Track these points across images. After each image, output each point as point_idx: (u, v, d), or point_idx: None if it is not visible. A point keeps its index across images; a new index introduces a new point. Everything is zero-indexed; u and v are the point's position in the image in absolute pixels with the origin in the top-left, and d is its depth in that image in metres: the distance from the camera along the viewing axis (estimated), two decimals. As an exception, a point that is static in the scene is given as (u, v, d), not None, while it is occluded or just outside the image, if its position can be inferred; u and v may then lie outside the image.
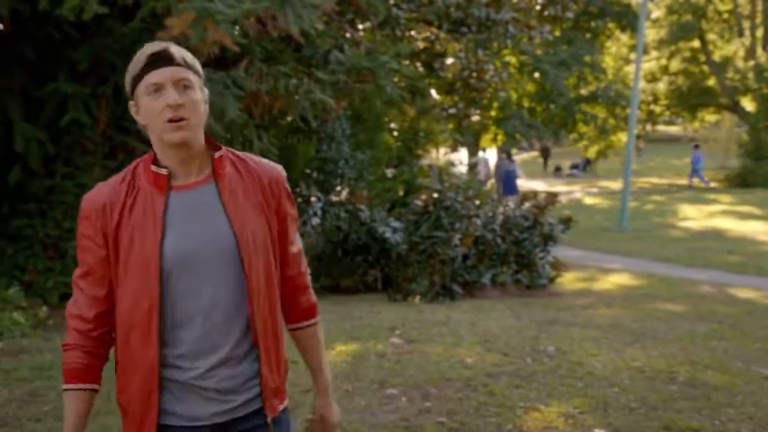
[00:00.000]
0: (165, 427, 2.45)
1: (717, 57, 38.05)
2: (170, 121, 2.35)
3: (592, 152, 36.26)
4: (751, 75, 35.02)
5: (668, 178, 38.79)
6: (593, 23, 31.33)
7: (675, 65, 38.84)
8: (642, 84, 33.62)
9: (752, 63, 35.38)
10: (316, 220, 11.70)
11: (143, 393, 2.44)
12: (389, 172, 14.57)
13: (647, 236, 19.04)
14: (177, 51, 2.41)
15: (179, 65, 2.39)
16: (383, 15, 11.96)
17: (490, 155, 32.11)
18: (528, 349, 7.82)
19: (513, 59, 25.82)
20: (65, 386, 2.45)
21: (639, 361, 7.39)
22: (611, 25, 32.09)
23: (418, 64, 15.87)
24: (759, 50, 36.46)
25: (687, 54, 38.68)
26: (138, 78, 2.39)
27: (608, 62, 35.28)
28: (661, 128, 47.87)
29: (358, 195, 11.84)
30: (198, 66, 2.46)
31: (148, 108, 2.38)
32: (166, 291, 2.40)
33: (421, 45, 15.39)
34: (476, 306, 10.22)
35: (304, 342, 2.75)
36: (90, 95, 9.34)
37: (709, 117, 42.20)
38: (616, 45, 36.95)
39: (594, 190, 33.91)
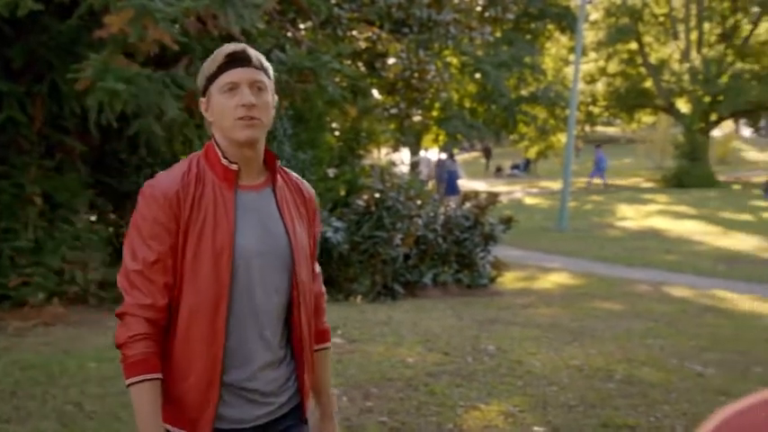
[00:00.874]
0: (218, 430, 2.47)
1: (653, 59, 38.69)
2: (241, 119, 2.39)
3: (532, 153, 36.65)
4: (686, 77, 35.68)
5: (607, 178, 39.35)
6: (532, 25, 31.63)
7: (613, 67, 39.40)
8: (581, 85, 34.08)
9: (687, 65, 36.04)
10: (257, 221, 11.63)
11: (204, 385, 2.43)
12: (331, 172, 14.52)
13: (587, 235, 19.30)
14: (254, 53, 2.46)
15: (255, 67, 2.44)
16: (325, 15, 11.94)
17: (432, 155, 32.25)
18: (469, 348, 7.87)
19: (454, 60, 25.95)
20: (138, 377, 2.36)
21: (578, 359, 7.48)
22: (550, 27, 32.44)
23: (360, 64, 15.87)
24: (694, 53, 37.14)
25: (624, 56, 39.26)
26: (213, 77, 2.44)
27: (548, 63, 35.65)
28: (599, 129, 48.51)
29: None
30: (271, 70, 2.51)
31: (221, 106, 2.42)
32: (233, 285, 2.44)
33: (363, 45, 15.39)
34: (417, 306, 10.26)
35: (315, 364, 2.76)
36: (25, 94, 9.17)
37: (646, 118, 42.88)
38: (555, 46, 37.36)
39: (535, 190, 34.26)
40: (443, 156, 27.59)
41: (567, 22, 30.72)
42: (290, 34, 10.93)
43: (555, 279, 13.25)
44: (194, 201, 2.41)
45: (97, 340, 7.82)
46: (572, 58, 32.05)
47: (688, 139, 35.55)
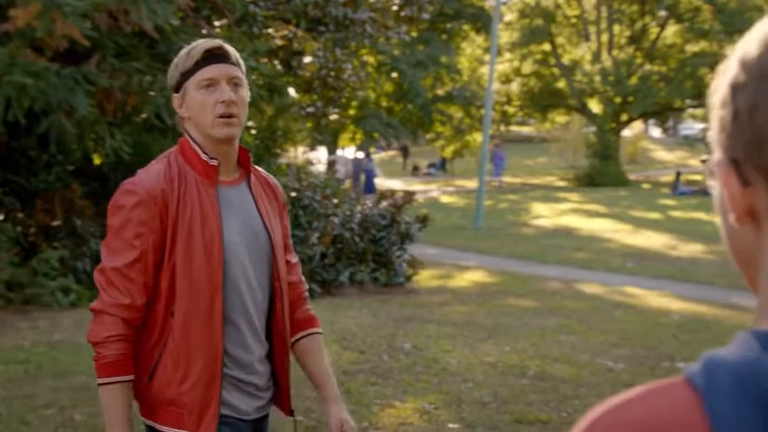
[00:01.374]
0: (222, 417, 2.47)
1: (566, 60, 39.37)
2: (221, 116, 2.39)
3: (448, 152, 36.99)
4: (597, 78, 36.41)
5: (522, 177, 39.93)
6: (448, 25, 31.93)
7: (527, 67, 39.95)
8: (496, 85, 34.49)
9: (598, 67, 36.79)
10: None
11: (205, 382, 2.42)
12: (247, 170, 14.43)
13: (502, 234, 19.54)
14: (231, 49, 2.46)
15: (233, 63, 2.44)
16: (240, 12, 11.84)
17: (349, 154, 32.28)
18: (385, 347, 7.91)
19: (371, 59, 26.02)
20: (111, 378, 2.36)
21: (492, 356, 7.58)
22: (466, 27, 32.81)
23: (276, 62, 15.78)
24: (605, 55, 37.94)
25: (538, 57, 39.84)
26: (189, 73, 2.42)
27: (463, 63, 36.03)
28: (514, 128, 49.20)
29: (215, 194, 11.68)
30: (244, 66, 2.52)
31: (198, 102, 2.41)
32: (225, 280, 2.44)
33: (279, 43, 15.30)
34: (334, 304, 10.26)
35: (308, 351, 2.75)
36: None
37: (560, 118, 43.62)
38: (471, 47, 37.76)
39: (451, 189, 34.56)
40: (360, 154, 27.65)
41: (483, 22, 31.11)
42: (204, 31, 10.80)
43: (470, 277, 13.39)
44: (180, 198, 2.41)
45: (3, 341, 7.61)
46: (487, 58, 32.44)
47: (599, 138, 36.32)
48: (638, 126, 50.03)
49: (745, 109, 0.73)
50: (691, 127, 51.86)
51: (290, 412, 2.67)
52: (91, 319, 2.41)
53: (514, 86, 39.92)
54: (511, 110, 40.79)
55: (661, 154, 52.37)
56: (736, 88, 0.75)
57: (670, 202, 27.93)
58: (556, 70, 39.39)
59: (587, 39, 39.81)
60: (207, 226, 2.41)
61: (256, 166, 2.68)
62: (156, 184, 2.40)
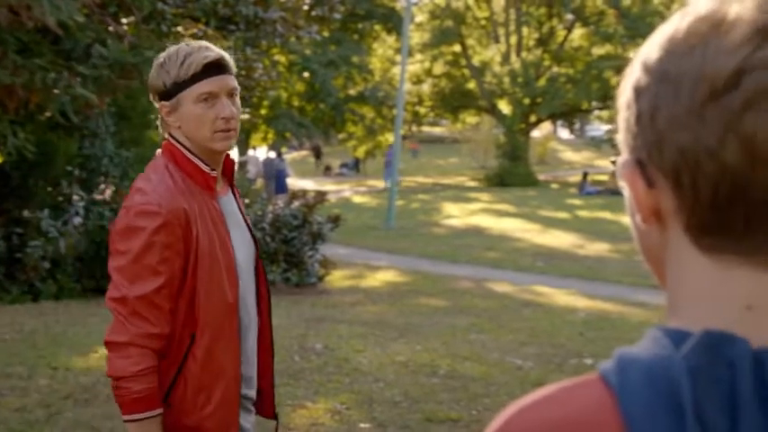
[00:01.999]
0: None
1: (476, 61, 39.84)
2: (221, 131, 2.31)
3: (360, 152, 37.03)
4: (506, 79, 36.96)
5: (433, 177, 40.25)
6: (360, 25, 31.98)
7: (438, 68, 40.30)
8: (407, 85, 34.69)
9: (507, 68, 37.34)
10: (78, 220, 11.21)
11: (227, 405, 2.36)
12: (156, 170, 14.21)
13: (413, 233, 19.66)
14: (229, 59, 2.36)
15: (231, 74, 2.35)
16: (148, 10, 11.64)
17: (260, 153, 32.05)
18: (296, 347, 7.88)
19: (282, 58, 25.89)
20: (144, 414, 2.22)
21: (404, 355, 7.62)
22: (377, 27, 32.89)
23: (186, 60, 15.57)
24: (514, 57, 38.53)
25: (449, 58, 40.22)
26: (186, 84, 2.28)
27: (375, 63, 36.12)
28: (426, 129, 49.58)
29: (123, 194, 11.48)
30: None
31: (196, 116, 2.30)
32: (238, 297, 2.39)
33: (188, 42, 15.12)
34: (245, 306, 10.17)
35: None
36: None
37: (470, 119, 44.11)
38: (382, 47, 37.90)
39: (363, 189, 34.63)
40: (272, 154, 27.48)
41: (394, 23, 31.23)
42: (111, 28, 10.60)
43: (382, 277, 13.44)
44: (196, 216, 2.30)
45: None
46: (398, 58, 32.60)
47: (509, 139, 36.87)
48: (546, 127, 50.97)
49: (647, 111, 0.75)
50: (597, 128, 52.98)
51: (274, 415, 2.62)
52: (109, 353, 2.26)
53: (426, 87, 40.22)
54: (422, 110, 41.09)
55: (569, 155, 53.43)
56: (638, 91, 0.77)
57: (577, 201, 28.52)
58: (466, 71, 39.83)
59: (497, 40, 40.36)
60: (223, 244, 2.35)
61: None
62: (177, 203, 2.27)
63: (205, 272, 2.29)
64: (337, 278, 12.57)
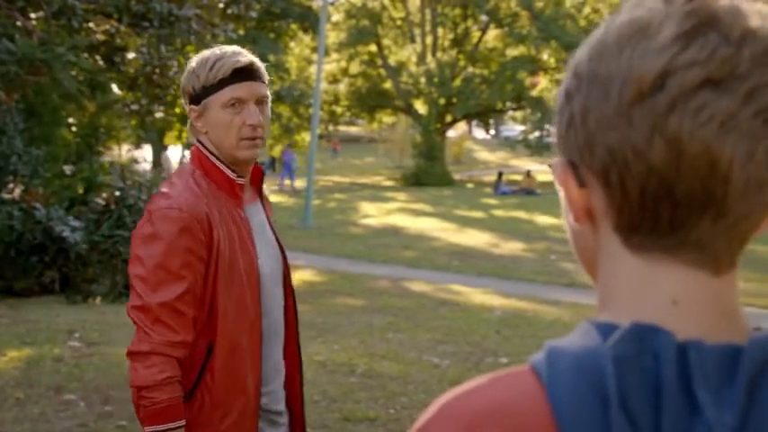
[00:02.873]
0: None
1: (392, 61, 40.02)
2: (246, 138, 2.24)
3: (276, 151, 36.82)
4: (422, 80, 37.23)
5: (350, 177, 40.28)
6: (276, 24, 31.80)
7: (354, 67, 40.37)
8: (324, 84, 34.65)
9: (423, 68, 37.60)
10: (-15, 220, 10.90)
11: (246, 417, 2.29)
12: (68, 169, 13.88)
13: (330, 233, 19.65)
14: (260, 64, 2.29)
15: (262, 81, 2.28)
16: (58, 5, 11.39)
17: (174, 152, 31.61)
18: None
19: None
20: (168, 425, 2.13)
21: (322, 355, 7.61)
22: (293, 26, 32.75)
23: (98, 57, 15.28)
24: (429, 57, 38.81)
25: (365, 57, 40.33)
26: (214, 88, 2.22)
27: (291, 62, 35.98)
28: (343, 128, 49.60)
29: (33, 193, 11.21)
30: (266, 76, 2.34)
31: (223, 121, 2.23)
32: (262, 306, 2.33)
33: (100, 38, 14.82)
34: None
35: None
36: None
37: (387, 118, 44.31)
38: (299, 46, 37.78)
39: (279, 188, 34.47)
40: (187, 153, 27.12)
41: (310, 22, 31.13)
42: (19, 23, 10.33)
43: (299, 276, 13.38)
44: (217, 221, 2.24)
45: None
46: (315, 57, 32.53)
47: (425, 139, 37.13)
48: (461, 127, 51.46)
49: (579, 113, 0.77)
50: (511, 129, 53.78)
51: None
52: (132, 363, 2.18)
53: (342, 86, 40.24)
54: (339, 109, 41.11)
55: (484, 154, 54.07)
56: (569, 94, 0.79)
57: (492, 201, 28.88)
58: (382, 71, 39.98)
59: (413, 41, 40.63)
60: (245, 252, 2.29)
61: None
62: (199, 207, 2.21)
63: (225, 281, 2.24)
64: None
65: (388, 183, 37.57)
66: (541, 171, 39.65)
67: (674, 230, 0.75)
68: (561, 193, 0.84)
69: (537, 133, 39.29)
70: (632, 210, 0.76)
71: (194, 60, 2.31)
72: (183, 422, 2.18)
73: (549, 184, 34.61)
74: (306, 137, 31.31)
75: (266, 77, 2.34)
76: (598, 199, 0.78)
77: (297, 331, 2.54)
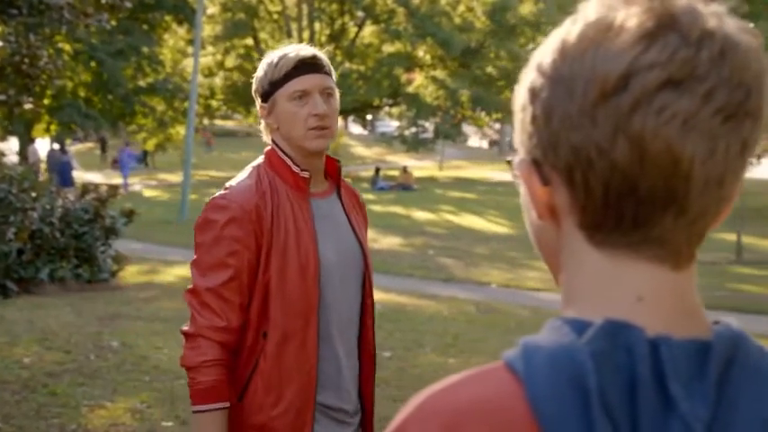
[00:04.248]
0: None
1: (269, 55, 39.70)
2: (314, 129, 2.25)
3: (150, 144, 36.05)
4: (300, 74, 37.08)
5: (226, 171, 39.81)
6: (150, 15, 31.11)
7: (231, 61, 39.93)
8: (199, 78, 34.14)
9: (301, 63, 37.45)
10: None
11: (297, 408, 2.28)
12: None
13: (207, 228, 19.35)
14: (324, 57, 2.32)
15: (326, 73, 2.31)
16: None
17: (41, 145, 30.55)
18: (91, 346, 7.62)
19: (66, 46, 24.82)
20: (208, 405, 2.20)
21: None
22: (167, 18, 32.12)
23: (-38, 45, 14.66)
24: (307, 52, 38.69)
25: (241, 51, 39.95)
26: (280, 83, 2.27)
27: (166, 55, 35.28)
28: (219, 122, 48.97)
29: None
30: (334, 73, 2.36)
31: (290, 114, 2.27)
32: (322, 299, 2.30)
33: (-35, 25, 14.23)
34: (33, 303, 9.71)
35: None
36: None
37: (263, 113, 43.90)
38: (174, 38, 37.08)
39: (154, 182, 33.82)
40: (56, 146, 26.32)
41: (185, 14, 30.58)
42: None
43: (177, 272, 13.18)
44: (273, 213, 2.27)
45: None
46: (190, 50, 32.00)
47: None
48: (338, 122, 51.51)
49: (542, 112, 0.79)
50: (387, 124, 54.17)
51: None
52: (183, 343, 2.27)
53: (218, 80, 39.74)
54: (215, 103, 40.57)
55: (360, 150, 54.30)
56: (533, 93, 0.81)
57: (370, 196, 29.03)
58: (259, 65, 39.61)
59: (289, 35, 40.41)
60: (302, 243, 2.29)
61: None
62: (250, 198, 2.28)
63: (278, 270, 2.28)
64: (131, 274, 12.22)
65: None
66: (418, 167, 40.16)
67: (638, 227, 0.77)
68: (522, 190, 0.86)
69: (413, 129, 39.71)
70: (596, 207, 0.77)
71: (263, 61, 2.42)
72: (222, 404, 2.25)
73: (425, 180, 35.11)
74: (181, 131, 30.77)
75: (331, 70, 2.40)
76: (561, 197, 0.80)
77: (373, 333, 2.51)
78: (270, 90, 2.37)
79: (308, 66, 2.34)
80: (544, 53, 0.81)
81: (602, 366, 0.72)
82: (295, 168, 2.37)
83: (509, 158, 0.86)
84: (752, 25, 0.78)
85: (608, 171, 0.75)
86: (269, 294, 2.30)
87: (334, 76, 2.44)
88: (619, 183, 0.75)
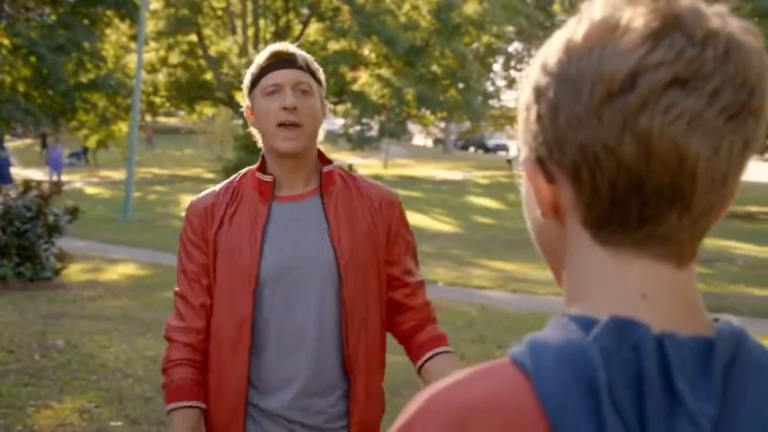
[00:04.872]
0: None
1: (213, 52, 39.37)
2: (282, 125, 2.18)
3: (92, 141, 35.53)
4: (244, 71, 36.46)
5: (170, 169, 39.43)
6: (91, 10, 30.64)
7: (174, 57, 39.48)
8: (142, 74, 33.75)
9: (245, 60, 37.18)
10: None
11: (230, 417, 2.25)
12: None
13: (152, 226, 19.22)
14: (300, 54, 2.25)
15: (301, 68, 2.24)
16: None
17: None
18: (35, 345, 7.50)
19: (5, 41, 24.35)
20: (174, 404, 2.21)
21: (152, 350, 7.45)
22: (110, 13, 31.66)
23: None
24: (251, 48, 38.47)
25: (185, 47, 39.51)
26: (256, 80, 2.25)
27: (108, 50, 34.76)
28: (162, 119, 48.42)
29: None
30: (322, 74, 2.28)
31: (263, 109, 2.22)
32: (260, 306, 2.22)
33: None
34: (-26, 303, 9.52)
35: (433, 373, 2.32)
36: None
37: (207, 110, 43.58)
38: (116, 34, 36.56)
39: (96, 180, 33.36)
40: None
41: (127, 9, 30.18)
42: None
43: (122, 270, 13.03)
44: (225, 217, 2.26)
45: None
46: (133, 46, 31.59)
47: (246, 131, 36.73)
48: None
49: (548, 110, 0.79)
50: (332, 122, 54.01)
51: None
52: None
53: (161, 76, 39.29)
54: (158, 100, 40.09)
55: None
56: (538, 92, 0.81)
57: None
58: (203, 62, 39.29)
59: (234, 32, 40.13)
60: (245, 248, 2.24)
61: (360, 177, 2.46)
62: (205, 201, 2.32)
63: (222, 276, 2.28)
64: (74, 272, 12.04)
65: (209, 175, 36.99)
66: (363, 165, 40.17)
67: (643, 225, 0.78)
68: (523, 189, 0.86)
69: (357, 127, 39.69)
70: (602, 205, 0.78)
71: None
72: (195, 402, 2.26)
73: (372, 178, 35.06)
74: (123, 127, 30.37)
75: (313, 69, 2.32)
76: (566, 195, 0.80)
77: (356, 343, 2.29)
78: (251, 87, 2.35)
79: (282, 61, 2.29)
80: (548, 52, 0.82)
81: (610, 362, 0.73)
82: (258, 173, 2.32)
83: (509, 158, 0.86)
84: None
85: (614, 169, 0.76)
86: (214, 297, 2.30)
87: (322, 76, 2.35)
88: (625, 181, 0.76)
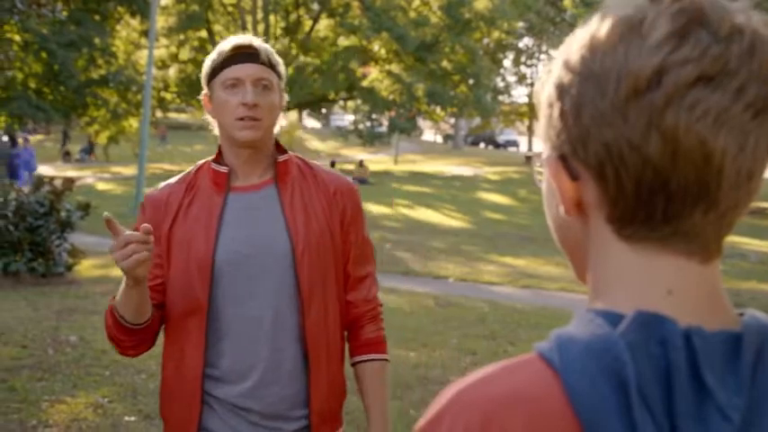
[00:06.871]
0: None
1: (224, 48, 39.39)
2: (241, 119, 2.21)
3: (103, 137, 35.62)
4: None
5: (180, 165, 39.48)
6: (102, 6, 30.72)
7: (185, 53, 39.54)
8: (153, 70, 33.82)
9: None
10: None
11: (185, 406, 2.26)
12: None
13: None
14: (263, 48, 2.25)
15: (263, 63, 2.25)
16: None
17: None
18: (49, 340, 7.54)
19: (16, 37, 24.42)
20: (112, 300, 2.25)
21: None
22: (120, 9, 31.74)
23: None
24: (262, 45, 38.46)
25: (196, 43, 39.57)
26: (217, 70, 2.25)
27: (119, 46, 34.85)
28: (173, 115, 48.49)
29: None
30: (282, 68, 2.29)
31: (222, 102, 2.24)
32: (215, 296, 2.23)
33: None
34: (-14, 298, 9.57)
35: (362, 380, 2.40)
36: None
37: (216, 106, 43.56)
38: (126, 29, 36.64)
39: (107, 175, 33.43)
40: (5, 138, 25.85)
41: (138, 5, 30.24)
42: None
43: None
44: (180, 209, 2.28)
45: None
46: (144, 41, 31.66)
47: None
48: (293, 116, 51.37)
49: (572, 108, 0.80)
50: (342, 118, 54.09)
51: None
52: None
53: (172, 72, 39.35)
54: (168, 96, 40.17)
55: (315, 143, 54.16)
56: (561, 89, 0.81)
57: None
58: (213, 58, 39.30)
59: (244, 28, 40.12)
60: (200, 239, 2.26)
61: (317, 166, 2.46)
62: (160, 193, 2.34)
63: (176, 265, 2.29)
64: (86, 267, 12.07)
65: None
66: (373, 160, 40.17)
67: (668, 221, 0.78)
68: (544, 186, 0.87)
69: (368, 123, 39.70)
70: (627, 202, 0.78)
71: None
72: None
73: (380, 174, 35.12)
74: (134, 123, 30.45)
75: (274, 63, 2.31)
76: (590, 192, 0.81)
77: (315, 332, 2.30)
78: (210, 77, 2.33)
79: (244, 55, 2.28)
80: (570, 49, 0.82)
81: (638, 357, 0.73)
82: (213, 164, 2.35)
83: (529, 155, 0.86)
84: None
85: (640, 166, 0.76)
86: (167, 288, 2.31)
87: (282, 69, 2.34)
88: (651, 178, 0.76)
